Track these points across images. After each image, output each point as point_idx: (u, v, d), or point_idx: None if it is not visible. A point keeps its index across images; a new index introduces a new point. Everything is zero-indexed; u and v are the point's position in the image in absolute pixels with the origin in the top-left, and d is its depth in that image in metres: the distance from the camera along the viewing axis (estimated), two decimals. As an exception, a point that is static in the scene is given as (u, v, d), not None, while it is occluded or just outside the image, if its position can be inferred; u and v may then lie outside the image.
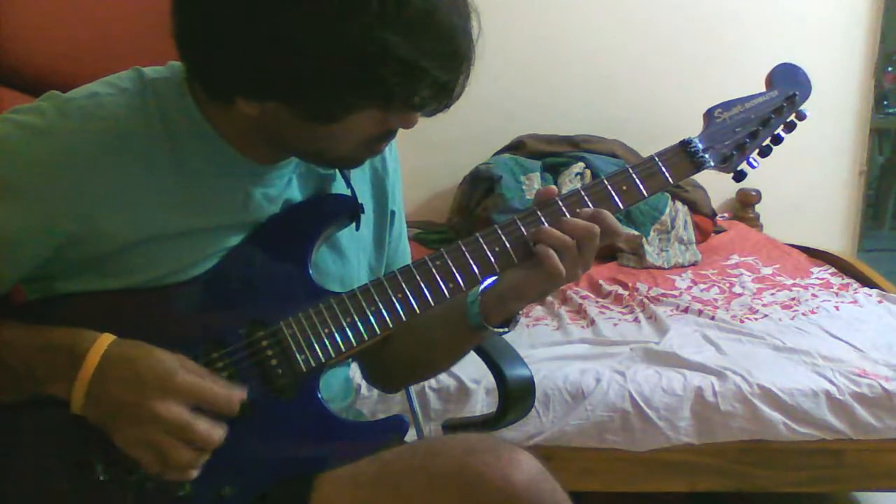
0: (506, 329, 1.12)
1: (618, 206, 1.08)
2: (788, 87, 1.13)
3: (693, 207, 2.98)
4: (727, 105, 1.12)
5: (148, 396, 0.91)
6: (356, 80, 0.89)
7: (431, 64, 0.89)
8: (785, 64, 1.14)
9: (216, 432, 0.95)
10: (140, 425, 0.92)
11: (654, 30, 3.23)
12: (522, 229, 1.06)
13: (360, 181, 1.16)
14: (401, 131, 1.03)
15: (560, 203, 1.07)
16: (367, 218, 1.17)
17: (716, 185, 3.11)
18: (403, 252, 1.26)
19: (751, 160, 1.13)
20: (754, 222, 3.27)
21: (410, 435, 1.28)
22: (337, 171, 1.12)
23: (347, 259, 1.14)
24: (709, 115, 1.12)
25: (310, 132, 0.96)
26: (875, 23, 3.28)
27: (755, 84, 1.14)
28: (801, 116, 1.14)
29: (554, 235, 1.04)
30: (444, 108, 0.97)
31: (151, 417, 0.91)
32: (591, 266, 1.07)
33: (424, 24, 0.88)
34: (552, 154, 2.99)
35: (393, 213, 1.22)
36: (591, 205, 1.07)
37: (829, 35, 3.23)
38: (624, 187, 1.08)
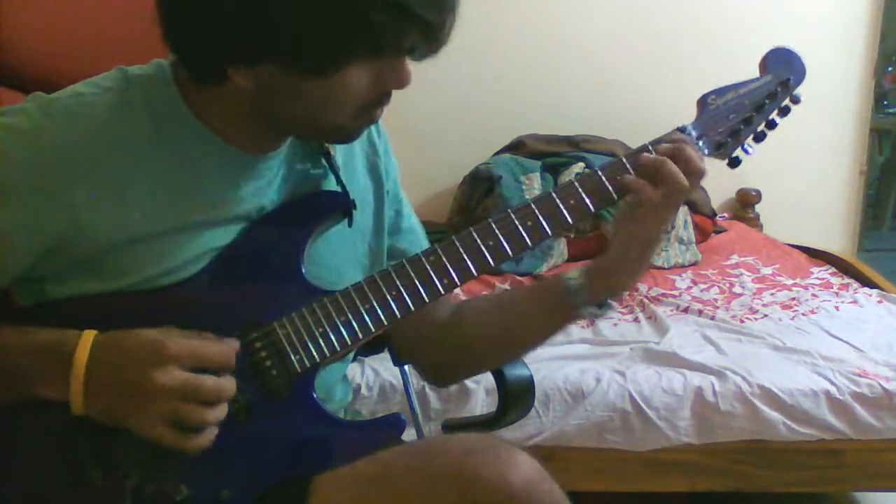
0: (599, 313, 1.13)
1: (612, 196, 1.08)
2: (782, 71, 1.12)
3: (693, 207, 2.97)
4: (721, 91, 1.12)
5: (146, 371, 0.91)
6: (346, 25, 0.89)
7: (417, 3, 0.90)
8: (778, 48, 1.14)
9: (225, 383, 0.94)
10: (148, 402, 0.91)
11: (655, 30, 3.23)
12: (516, 223, 1.06)
13: (354, 170, 1.16)
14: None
15: (555, 195, 1.07)
16: (367, 203, 1.17)
17: (716, 185, 3.11)
18: (409, 231, 1.24)
19: (745, 146, 1.13)
20: (754, 222, 3.27)
21: (410, 435, 1.28)
22: (327, 167, 1.11)
23: (341, 249, 1.13)
24: (702, 101, 1.12)
25: (305, 96, 0.95)
26: (875, 23, 3.28)
27: (755, 84, 1.14)
28: (796, 100, 1.13)
29: (641, 185, 1.05)
30: (434, 53, 0.97)
31: (156, 390, 0.91)
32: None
33: None
34: (552, 154, 2.99)
35: (387, 192, 1.21)
36: (584, 195, 1.07)
37: (829, 35, 3.23)
38: (617, 177, 1.07)
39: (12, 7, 1.36)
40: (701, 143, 1.10)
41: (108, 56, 1.29)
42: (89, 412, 0.93)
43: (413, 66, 0.98)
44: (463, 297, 1.31)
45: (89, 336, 0.93)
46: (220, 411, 0.95)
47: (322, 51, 0.91)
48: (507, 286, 2.50)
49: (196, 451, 0.95)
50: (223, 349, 0.95)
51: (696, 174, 1.06)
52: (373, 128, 1.18)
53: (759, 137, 1.13)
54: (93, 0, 1.46)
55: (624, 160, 1.07)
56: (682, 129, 1.09)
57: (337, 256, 1.13)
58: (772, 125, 1.13)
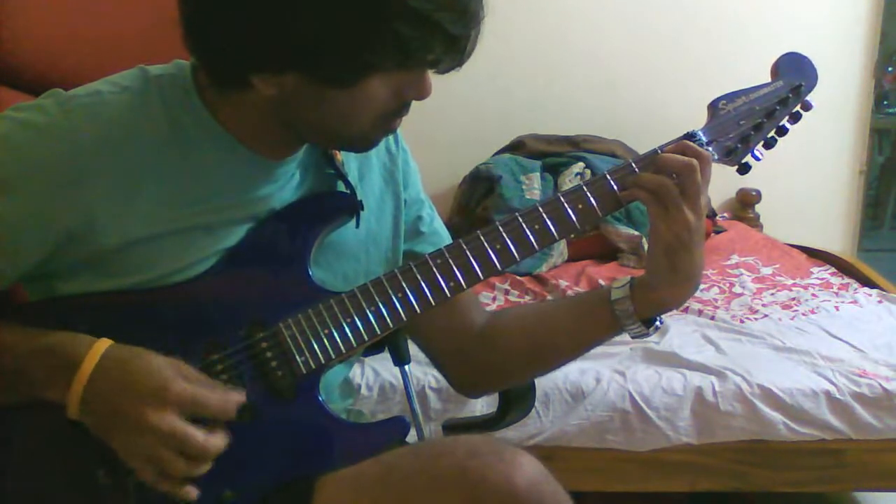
0: (646, 332, 1.10)
1: (619, 201, 1.07)
2: (794, 77, 1.11)
3: (693, 207, 2.97)
4: (731, 96, 1.10)
5: (142, 406, 0.90)
6: (372, 35, 0.90)
7: (444, 17, 0.90)
8: (791, 53, 1.12)
9: (213, 443, 0.93)
10: (135, 435, 0.91)
11: (655, 30, 3.23)
12: (524, 227, 1.05)
13: (371, 177, 1.16)
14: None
15: (562, 199, 1.06)
16: (383, 212, 1.17)
17: (716, 185, 3.08)
18: (432, 234, 1.23)
19: (755, 152, 1.11)
20: (754, 222, 3.27)
21: (411, 435, 1.27)
22: (335, 170, 1.11)
23: (352, 256, 1.13)
24: (713, 106, 1.10)
25: (327, 106, 0.96)
26: (875, 23, 3.28)
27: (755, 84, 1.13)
28: (807, 107, 1.12)
29: (646, 178, 1.03)
30: (458, 66, 0.98)
31: (146, 427, 0.90)
32: (703, 211, 1.03)
33: None
34: (552, 154, 2.99)
35: (405, 201, 1.20)
36: (592, 200, 1.06)
37: (829, 35, 3.23)
38: (628, 179, 1.06)
39: (12, 7, 1.36)
40: (711, 148, 1.08)
41: (110, 56, 1.29)
42: (82, 419, 0.93)
43: None
44: (491, 307, 1.30)
45: (102, 346, 0.93)
46: (201, 468, 0.93)
47: (348, 62, 0.92)
48: (507, 286, 2.50)
49: (170, 494, 0.93)
50: (224, 403, 0.94)
51: (700, 158, 1.03)
52: (391, 139, 1.18)
53: (770, 144, 1.12)
54: (93, 0, 1.46)
55: (633, 164, 1.07)
56: (691, 135, 1.08)
57: (346, 263, 1.13)
58: (783, 131, 1.12)
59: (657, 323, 1.11)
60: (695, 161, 1.03)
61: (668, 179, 1.03)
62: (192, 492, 0.94)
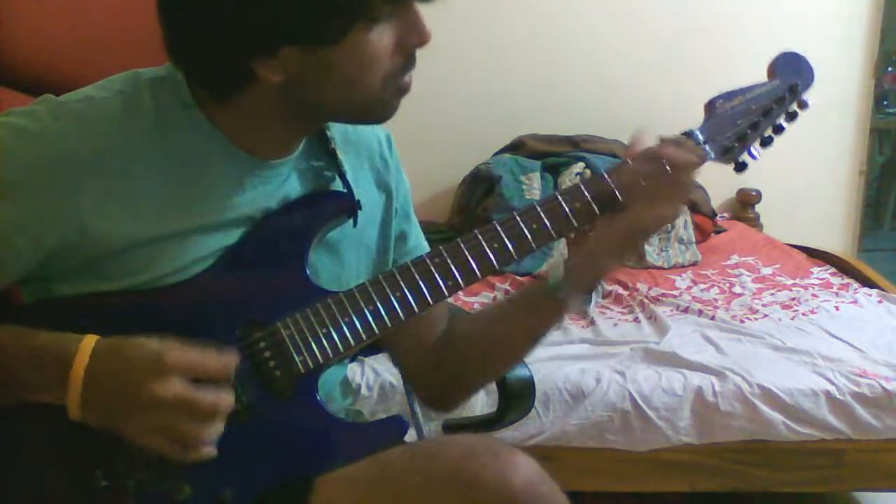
0: (589, 297, 1.12)
1: (619, 199, 1.07)
2: (791, 76, 1.11)
3: (693, 207, 2.98)
4: (728, 95, 1.11)
5: (143, 381, 0.90)
6: None
7: None
8: (787, 52, 1.13)
9: (223, 398, 0.93)
10: (144, 412, 0.91)
11: (655, 30, 3.23)
12: (522, 226, 1.05)
13: (364, 182, 1.16)
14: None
15: (560, 198, 1.06)
16: (372, 218, 1.17)
17: (716, 185, 3.11)
18: (416, 249, 1.24)
19: (752, 151, 1.12)
20: (754, 222, 3.27)
21: (410, 435, 1.27)
22: (335, 170, 1.11)
23: (344, 259, 1.13)
24: (710, 105, 1.10)
25: (335, 70, 0.95)
26: (875, 23, 3.28)
27: (755, 85, 1.13)
28: (804, 105, 1.12)
29: (669, 152, 1.05)
30: None
31: (152, 401, 0.90)
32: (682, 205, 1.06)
33: None
34: (552, 154, 2.99)
35: (396, 210, 1.21)
36: (591, 198, 1.06)
37: (829, 35, 3.23)
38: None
39: (12, 7, 1.36)
40: (708, 147, 1.09)
41: (109, 55, 1.29)
42: (86, 418, 0.92)
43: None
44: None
45: (90, 342, 0.92)
46: (216, 427, 0.93)
47: (332, 14, 0.91)
48: (507, 286, 2.51)
49: (192, 463, 0.93)
50: (222, 362, 0.94)
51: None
52: (384, 143, 1.18)
53: (767, 142, 1.12)
54: (93, 0, 1.46)
55: (629, 162, 1.07)
56: (689, 134, 1.09)
57: (340, 268, 1.12)
58: (779, 130, 1.12)
59: (596, 291, 1.13)
60: (694, 158, 1.05)
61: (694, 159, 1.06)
62: (213, 451, 0.93)
